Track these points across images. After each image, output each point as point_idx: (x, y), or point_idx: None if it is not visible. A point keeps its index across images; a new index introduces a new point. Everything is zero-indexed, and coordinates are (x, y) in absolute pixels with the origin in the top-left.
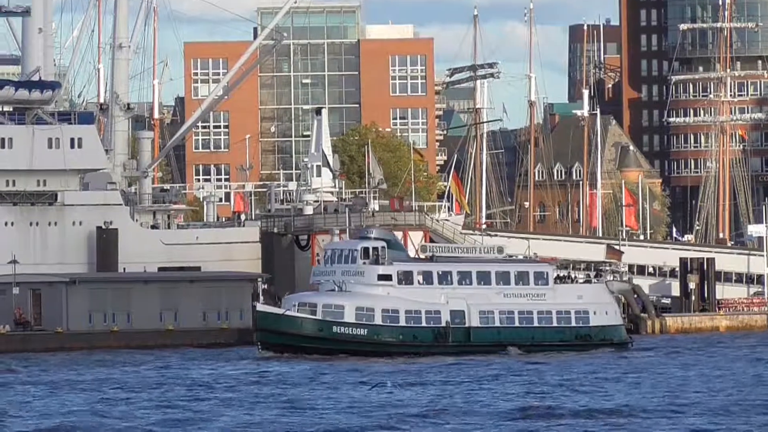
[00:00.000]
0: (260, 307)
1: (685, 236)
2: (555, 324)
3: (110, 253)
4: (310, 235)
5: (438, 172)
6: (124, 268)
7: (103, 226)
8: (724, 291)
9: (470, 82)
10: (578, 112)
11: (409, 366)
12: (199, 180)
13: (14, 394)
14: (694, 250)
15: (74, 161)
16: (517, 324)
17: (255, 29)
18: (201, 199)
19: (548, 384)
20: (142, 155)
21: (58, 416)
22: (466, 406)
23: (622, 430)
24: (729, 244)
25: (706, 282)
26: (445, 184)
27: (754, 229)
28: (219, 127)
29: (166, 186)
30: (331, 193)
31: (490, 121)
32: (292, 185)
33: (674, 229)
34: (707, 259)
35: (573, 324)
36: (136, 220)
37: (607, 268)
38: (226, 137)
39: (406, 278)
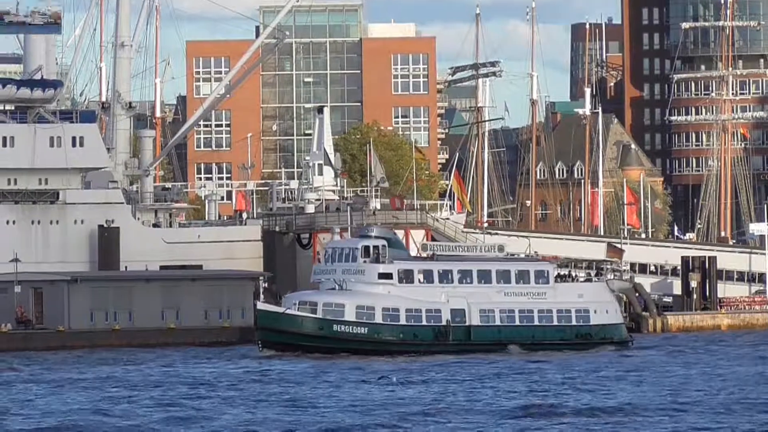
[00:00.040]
0: (260, 305)
1: (687, 235)
2: (555, 323)
3: (112, 251)
4: (311, 234)
5: (439, 170)
6: (126, 267)
7: (105, 225)
8: (725, 289)
9: (472, 80)
10: (580, 111)
11: (409, 365)
12: (200, 178)
13: (16, 392)
14: (696, 249)
15: (76, 160)
16: (517, 323)
17: (257, 28)
18: (202, 198)
19: (550, 382)
20: (143, 154)
21: (60, 415)
22: (468, 404)
23: (624, 428)
24: (731, 243)
25: (707, 280)
26: (447, 182)
27: (755, 228)
28: (221, 125)
29: (168, 184)
30: (333, 191)
31: (492, 119)
32: (294, 184)
33: (676, 228)
34: (709, 257)
35: (573, 323)
36: (138, 219)
37: (608, 266)
38: (228, 136)
39: (406, 277)
